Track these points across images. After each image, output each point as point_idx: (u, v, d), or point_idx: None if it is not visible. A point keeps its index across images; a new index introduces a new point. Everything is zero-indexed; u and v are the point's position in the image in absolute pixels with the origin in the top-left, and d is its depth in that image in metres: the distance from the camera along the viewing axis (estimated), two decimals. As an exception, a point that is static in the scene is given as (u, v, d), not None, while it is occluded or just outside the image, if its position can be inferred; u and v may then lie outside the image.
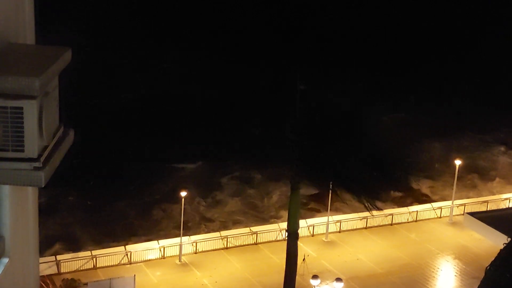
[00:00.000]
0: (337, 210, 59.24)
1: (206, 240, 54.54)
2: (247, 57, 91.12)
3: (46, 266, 49.23)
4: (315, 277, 47.55)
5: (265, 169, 67.24)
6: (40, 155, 6.80)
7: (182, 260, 52.72)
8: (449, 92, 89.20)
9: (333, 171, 41.09)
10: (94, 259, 51.18)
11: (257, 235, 55.52)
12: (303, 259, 49.40)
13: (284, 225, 50.11)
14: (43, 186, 6.82)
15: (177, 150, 70.62)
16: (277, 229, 55.95)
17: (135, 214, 61.70)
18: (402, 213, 59.84)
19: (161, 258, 52.80)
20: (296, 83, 41.05)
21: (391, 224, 58.76)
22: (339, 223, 57.53)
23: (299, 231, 42.83)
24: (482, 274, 30.47)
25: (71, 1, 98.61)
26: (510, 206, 62.98)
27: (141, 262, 52.16)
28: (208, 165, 69.37)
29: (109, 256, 51.65)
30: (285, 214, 49.41)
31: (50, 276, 49.17)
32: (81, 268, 50.53)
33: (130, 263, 51.84)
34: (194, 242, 53.96)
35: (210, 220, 61.96)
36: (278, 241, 54.77)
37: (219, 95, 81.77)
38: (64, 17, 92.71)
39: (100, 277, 49.38)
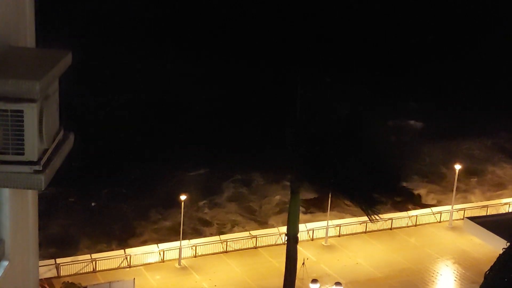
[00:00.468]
0: (336, 215, 59.23)
1: (205, 244, 54.44)
2: (247, 58, 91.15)
3: (46, 269, 49.14)
4: (314, 281, 47.54)
5: (265, 172, 67.20)
6: (40, 158, 6.79)
7: (181, 263, 52.62)
8: (449, 92, 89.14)
9: (333, 173, 40.92)
10: (94, 262, 51.07)
11: (256, 239, 55.45)
12: (303, 263, 49.30)
13: (283, 229, 50.04)
14: (43, 189, 6.81)
15: (177, 150, 70.58)
16: (277, 233, 55.87)
17: (135, 216, 61.68)
18: (401, 218, 59.76)
19: (161, 262, 52.67)
20: (296, 83, 40.97)
21: (391, 229, 58.67)
22: (338, 227, 57.50)
23: (298, 235, 42.74)
24: (482, 279, 30.49)
25: (71, 1, 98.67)
26: (510, 211, 62.90)
27: (140, 265, 52.05)
28: (208, 165, 69.29)
29: (108, 259, 51.57)
30: (284, 217, 49.32)
31: (49, 279, 49.09)
32: (81, 272, 50.44)
33: (130, 267, 51.75)
34: (193, 245, 53.84)
35: (208, 223, 61.91)
36: (277, 245, 54.67)
37: (219, 95, 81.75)
38: (64, 17, 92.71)
39: (100, 281, 49.30)
